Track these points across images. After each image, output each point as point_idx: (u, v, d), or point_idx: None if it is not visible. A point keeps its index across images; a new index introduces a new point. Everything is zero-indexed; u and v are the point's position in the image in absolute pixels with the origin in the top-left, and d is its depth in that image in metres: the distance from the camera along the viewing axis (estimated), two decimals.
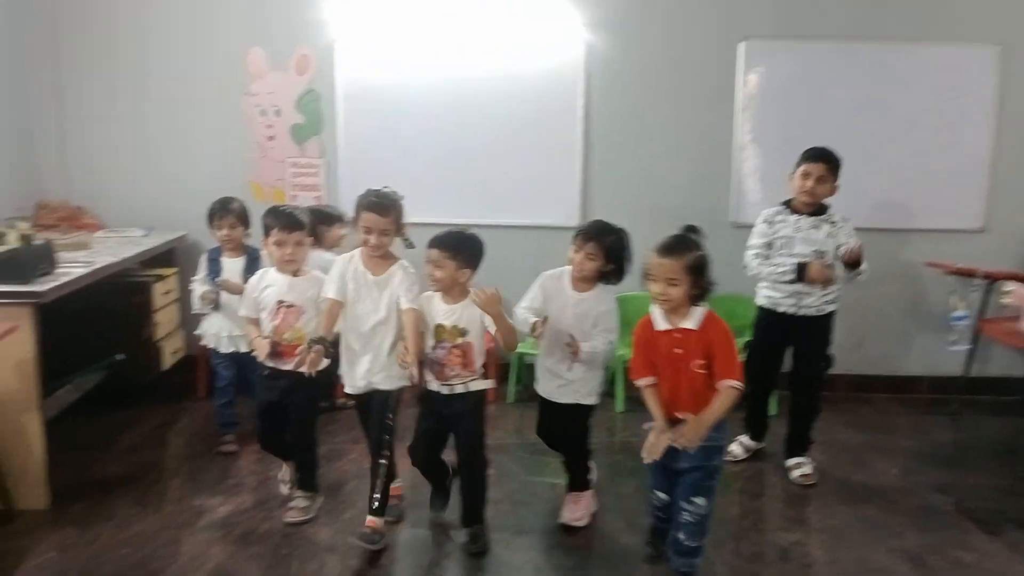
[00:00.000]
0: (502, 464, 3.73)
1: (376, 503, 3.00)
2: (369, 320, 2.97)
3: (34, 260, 3.31)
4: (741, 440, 3.90)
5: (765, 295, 3.73)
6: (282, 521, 3.20)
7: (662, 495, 2.83)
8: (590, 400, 3.18)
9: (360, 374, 3.01)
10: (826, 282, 3.53)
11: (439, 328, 2.94)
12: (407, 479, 3.33)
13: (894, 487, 3.67)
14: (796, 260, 3.53)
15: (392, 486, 3.19)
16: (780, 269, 3.56)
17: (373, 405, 3.02)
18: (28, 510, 3.21)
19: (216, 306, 3.76)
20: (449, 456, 3.15)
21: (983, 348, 4.69)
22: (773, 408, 4.09)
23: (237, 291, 3.55)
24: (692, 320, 2.65)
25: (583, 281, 3.09)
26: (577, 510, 3.24)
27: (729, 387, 2.60)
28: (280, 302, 3.16)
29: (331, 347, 3.00)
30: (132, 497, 3.39)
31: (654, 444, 2.67)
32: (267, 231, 3.18)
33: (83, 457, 3.75)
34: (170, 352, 4.43)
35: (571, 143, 4.73)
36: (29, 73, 4.58)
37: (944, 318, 4.48)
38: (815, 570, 2.98)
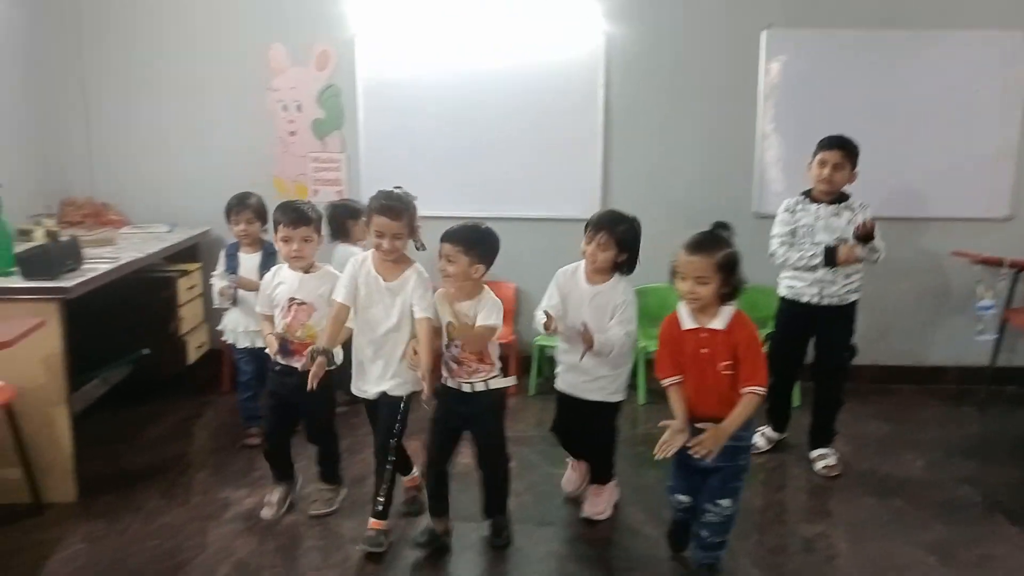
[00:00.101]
0: (524, 456, 3.73)
1: (380, 506, 2.95)
2: (381, 327, 2.90)
3: (61, 257, 3.35)
4: (764, 431, 3.88)
5: (787, 285, 3.70)
6: (306, 513, 3.23)
7: (683, 498, 2.76)
8: (617, 397, 3.15)
9: (372, 380, 2.96)
10: (855, 262, 3.51)
11: (451, 326, 2.86)
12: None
13: (920, 479, 3.63)
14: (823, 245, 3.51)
15: (408, 477, 3.19)
16: (809, 254, 3.54)
17: (382, 409, 2.96)
18: (56, 503, 3.26)
19: (234, 301, 3.78)
20: (460, 459, 3.07)
21: (1010, 338, 4.63)
22: (796, 399, 4.07)
23: (252, 288, 3.57)
24: (720, 320, 2.60)
25: (597, 273, 3.06)
26: (599, 503, 3.24)
27: (751, 393, 2.55)
28: (291, 299, 3.11)
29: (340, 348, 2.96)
30: (159, 489, 3.43)
31: (668, 442, 2.60)
32: (275, 227, 3.15)
33: (110, 450, 3.80)
34: (195, 347, 4.47)
35: (591, 135, 4.72)
36: (53, 72, 4.63)
37: (970, 308, 4.43)
38: (839, 562, 2.96)
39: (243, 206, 3.80)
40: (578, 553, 3.02)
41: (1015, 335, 4.67)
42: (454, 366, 2.89)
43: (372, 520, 2.96)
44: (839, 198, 3.60)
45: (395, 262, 2.89)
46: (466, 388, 2.89)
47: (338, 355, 3.12)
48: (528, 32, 4.63)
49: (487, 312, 2.81)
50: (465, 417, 2.94)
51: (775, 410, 3.88)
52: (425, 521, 3.04)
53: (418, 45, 4.67)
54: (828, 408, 3.74)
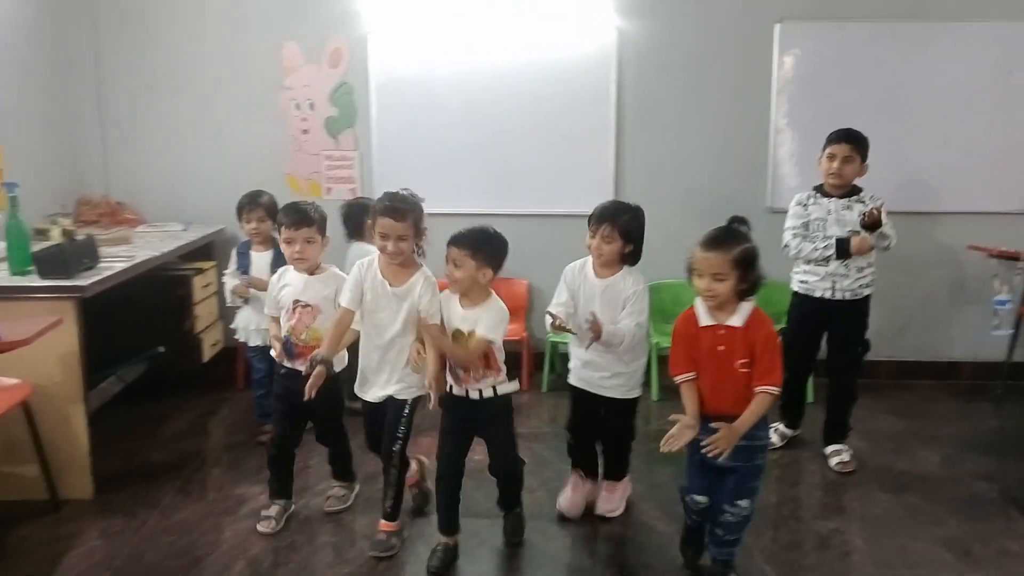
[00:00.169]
0: (537, 452, 3.73)
1: (389, 509, 2.95)
2: (387, 332, 2.86)
3: (77, 255, 3.36)
4: (777, 427, 3.86)
5: (800, 280, 3.69)
6: (321, 510, 3.24)
7: (700, 499, 2.69)
8: (634, 393, 3.14)
9: (378, 384, 2.93)
10: (867, 251, 3.50)
11: (458, 333, 2.81)
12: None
13: (936, 475, 3.61)
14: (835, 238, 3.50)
15: (407, 475, 3.16)
16: (822, 245, 3.52)
17: (387, 413, 2.92)
18: (73, 499, 3.29)
19: (246, 299, 3.80)
20: (472, 455, 3.02)
21: None
22: (810, 395, 4.05)
23: (265, 288, 3.58)
24: (738, 317, 2.53)
25: (605, 266, 3.03)
26: (612, 500, 3.23)
27: (765, 392, 2.50)
28: (296, 301, 3.07)
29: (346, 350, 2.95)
30: (175, 486, 3.46)
31: (676, 436, 2.55)
32: (279, 229, 3.12)
33: (127, 447, 3.83)
34: (210, 344, 4.50)
35: (604, 130, 4.71)
36: (69, 72, 4.66)
37: (987, 303, 4.40)
38: (855, 558, 2.95)
39: (255, 204, 3.81)
40: (591, 549, 3.02)
41: None
42: (461, 373, 2.83)
43: (382, 522, 2.96)
44: (850, 192, 3.58)
45: (402, 266, 2.83)
46: (474, 395, 2.84)
47: (340, 360, 3.12)
48: (540, 28, 4.63)
49: (487, 324, 2.76)
50: (474, 423, 2.90)
51: (788, 406, 3.86)
52: (436, 537, 2.95)
53: (430, 42, 4.67)
54: (842, 404, 3.73)
